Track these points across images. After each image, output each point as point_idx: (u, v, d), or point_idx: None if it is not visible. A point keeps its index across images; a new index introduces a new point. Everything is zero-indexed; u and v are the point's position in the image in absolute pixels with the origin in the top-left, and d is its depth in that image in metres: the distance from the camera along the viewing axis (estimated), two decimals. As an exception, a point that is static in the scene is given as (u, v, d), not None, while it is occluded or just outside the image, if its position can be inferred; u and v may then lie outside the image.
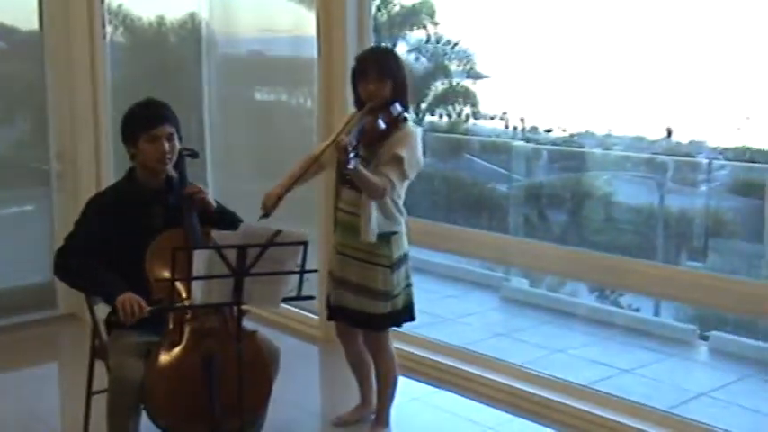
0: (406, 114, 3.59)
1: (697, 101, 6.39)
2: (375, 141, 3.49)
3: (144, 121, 3.32)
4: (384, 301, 3.62)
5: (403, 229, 3.67)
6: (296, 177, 3.51)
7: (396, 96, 3.53)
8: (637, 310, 6.61)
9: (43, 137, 5.46)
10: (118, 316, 3.08)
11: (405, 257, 3.69)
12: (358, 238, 3.55)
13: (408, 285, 3.72)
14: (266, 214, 3.45)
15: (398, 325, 3.78)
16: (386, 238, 3.58)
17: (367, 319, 3.66)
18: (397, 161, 3.49)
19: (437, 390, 4.41)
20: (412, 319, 3.79)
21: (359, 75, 3.59)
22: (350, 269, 3.64)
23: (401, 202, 3.63)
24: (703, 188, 6.62)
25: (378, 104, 3.50)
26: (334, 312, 3.77)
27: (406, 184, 3.60)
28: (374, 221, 3.52)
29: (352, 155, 3.26)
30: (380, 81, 3.52)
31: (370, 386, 3.95)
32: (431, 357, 4.62)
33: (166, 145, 3.31)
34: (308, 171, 3.57)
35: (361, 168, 3.38)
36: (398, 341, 4.29)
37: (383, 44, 4.25)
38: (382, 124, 3.47)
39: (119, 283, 3.14)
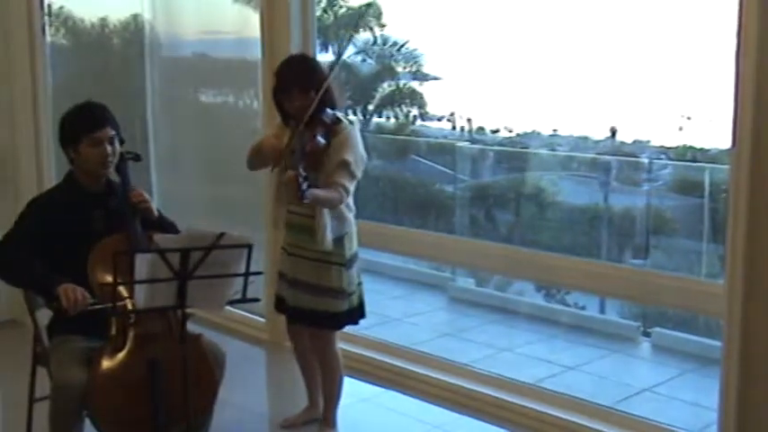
0: (338, 115, 3.60)
1: (640, 101, 6.49)
2: (319, 157, 3.49)
3: (85, 123, 3.28)
4: (342, 299, 3.65)
5: (353, 227, 3.69)
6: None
7: (322, 102, 3.52)
8: (583, 308, 6.69)
9: (-18, 141, 5.37)
10: (60, 305, 3.03)
11: (356, 255, 3.72)
12: (311, 240, 3.56)
13: (360, 283, 3.75)
14: (278, 162, 3.49)
15: (355, 323, 3.80)
16: (339, 238, 3.61)
17: (325, 317, 3.67)
18: (345, 165, 3.51)
19: (384, 390, 4.43)
20: (363, 316, 3.81)
21: (281, 91, 3.59)
22: (304, 270, 3.65)
23: (350, 201, 3.65)
24: (646, 187, 6.73)
25: (312, 117, 3.48)
26: (292, 314, 3.77)
27: (354, 183, 3.62)
28: (329, 230, 3.54)
29: (305, 186, 3.26)
30: (304, 94, 3.51)
31: (317, 388, 3.95)
32: (378, 358, 4.64)
33: (108, 148, 3.28)
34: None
35: (316, 193, 3.38)
36: (346, 342, 4.31)
37: (297, 53, 4.21)
38: (322, 140, 3.47)
39: (57, 274, 3.11)
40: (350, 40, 7.84)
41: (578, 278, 4.27)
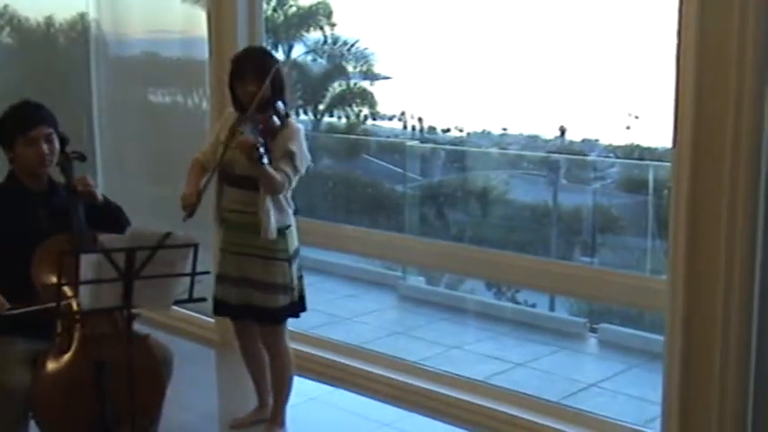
0: (288, 111, 3.65)
1: (589, 100, 6.58)
2: (269, 139, 3.52)
3: (19, 123, 3.23)
4: (284, 294, 3.67)
5: (294, 222, 3.73)
6: (208, 174, 3.60)
7: (275, 95, 3.58)
8: (533, 305, 6.76)
9: None
10: None
11: (298, 251, 3.76)
12: (256, 236, 3.57)
13: (300, 277, 3.78)
14: (190, 214, 3.54)
15: (296, 316, 3.82)
16: (281, 232, 3.63)
17: (268, 313, 3.68)
18: (290, 156, 3.56)
19: (333, 389, 4.42)
20: (304, 309, 3.82)
21: (237, 77, 3.63)
22: (250, 267, 3.66)
23: (290, 195, 3.70)
24: (594, 185, 6.82)
25: (263, 105, 3.53)
26: (237, 311, 3.76)
27: (296, 178, 3.65)
28: (273, 218, 3.57)
29: (262, 150, 3.32)
30: (259, 81, 3.55)
31: (267, 387, 3.95)
32: (327, 357, 4.63)
33: (45, 146, 3.23)
34: (215, 169, 3.62)
35: (267, 167, 3.43)
36: (295, 341, 4.30)
37: (253, 45, 4.28)
38: (277, 121, 3.54)
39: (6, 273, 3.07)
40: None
41: (527, 276, 4.31)
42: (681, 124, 3.15)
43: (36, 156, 3.22)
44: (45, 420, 3.03)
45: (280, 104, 3.58)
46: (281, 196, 3.62)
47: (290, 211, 3.71)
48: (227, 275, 3.74)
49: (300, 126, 3.70)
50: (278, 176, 3.52)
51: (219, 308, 3.81)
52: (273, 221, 3.57)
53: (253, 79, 3.56)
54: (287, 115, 3.62)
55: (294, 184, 3.65)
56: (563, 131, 7.40)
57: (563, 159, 7.16)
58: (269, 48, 5.05)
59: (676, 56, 3.13)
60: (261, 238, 3.56)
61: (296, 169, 3.60)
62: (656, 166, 6.01)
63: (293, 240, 3.71)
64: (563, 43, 6.35)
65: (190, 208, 3.55)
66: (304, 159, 3.63)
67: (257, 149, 3.34)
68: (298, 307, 3.76)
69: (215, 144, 3.73)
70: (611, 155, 7.25)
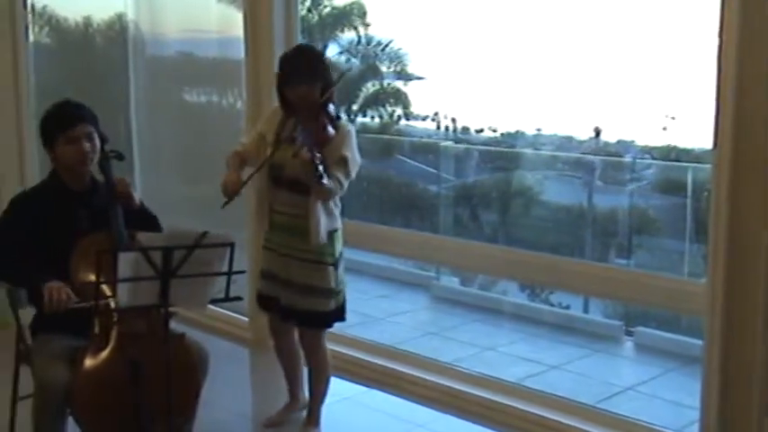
0: (339, 113, 3.62)
1: (625, 101, 6.51)
2: (324, 146, 3.48)
3: (61, 121, 3.27)
4: (331, 298, 3.66)
5: (341, 225, 3.70)
6: (256, 167, 3.56)
7: (326, 97, 3.52)
8: (567, 307, 6.71)
9: (-35, 141, 5.34)
10: (43, 303, 3.02)
11: (342, 254, 3.73)
12: (304, 240, 3.55)
13: (345, 281, 3.76)
14: (229, 201, 3.51)
15: (342, 319, 3.81)
16: (329, 236, 3.61)
17: (316, 317, 3.68)
18: (343, 162, 3.52)
19: (368, 389, 4.42)
20: (345, 311, 3.81)
21: (287, 78, 3.57)
22: (295, 270, 3.64)
23: (337, 198, 3.66)
24: (630, 187, 6.76)
25: (316, 109, 3.48)
26: (282, 313, 3.76)
27: (348, 183, 3.62)
28: (323, 225, 3.55)
29: (321, 169, 3.26)
30: (311, 84, 3.51)
31: (299, 383, 3.96)
32: (361, 357, 4.63)
33: (86, 145, 3.26)
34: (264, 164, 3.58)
35: (326, 182, 3.36)
36: (329, 341, 4.30)
37: (303, 43, 4.19)
38: (331, 130, 3.47)
39: (46, 270, 3.09)
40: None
41: (562, 277, 4.28)
42: (721, 125, 3.11)
43: (77, 154, 3.25)
44: (82, 417, 3.06)
45: (331, 108, 3.52)
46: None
47: (338, 213, 3.67)
48: (273, 274, 3.73)
49: (352, 128, 3.64)
50: (330, 185, 3.46)
51: (264, 302, 3.81)
52: (323, 227, 3.54)
53: (305, 81, 3.51)
54: (338, 117, 3.58)
55: (346, 189, 3.61)
56: (598, 132, 7.33)
57: (598, 160, 7.10)
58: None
59: (717, 56, 3.09)
60: (310, 243, 3.54)
61: (348, 175, 3.55)
62: (694, 167, 5.94)
63: (339, 244, 3.68)
64: (598, 43, 6.29)
65: (232, 195, 3.52)
66: (356, 163, 3.58)
67: (316, 167, 3.26)
68: (342, 311, 3.76)
69: (257, 140, 3.70)
70: (647, 156, 7.18)
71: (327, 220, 3.59)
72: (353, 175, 3.60)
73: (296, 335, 3.88)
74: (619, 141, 7.26)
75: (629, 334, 6.06)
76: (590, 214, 6.81)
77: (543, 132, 7.69)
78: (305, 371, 3.95)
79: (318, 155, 3.29)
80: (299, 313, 3.70)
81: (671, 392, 5.09)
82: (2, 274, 3.26)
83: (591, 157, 7.12)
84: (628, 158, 7.03)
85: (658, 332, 5.90)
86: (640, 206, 6.73)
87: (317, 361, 3.82)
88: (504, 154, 7.74)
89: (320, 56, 3.77)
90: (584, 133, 7.32)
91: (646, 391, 5.16)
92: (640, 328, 6.02)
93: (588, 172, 7.02)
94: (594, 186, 6.93)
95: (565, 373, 5.41)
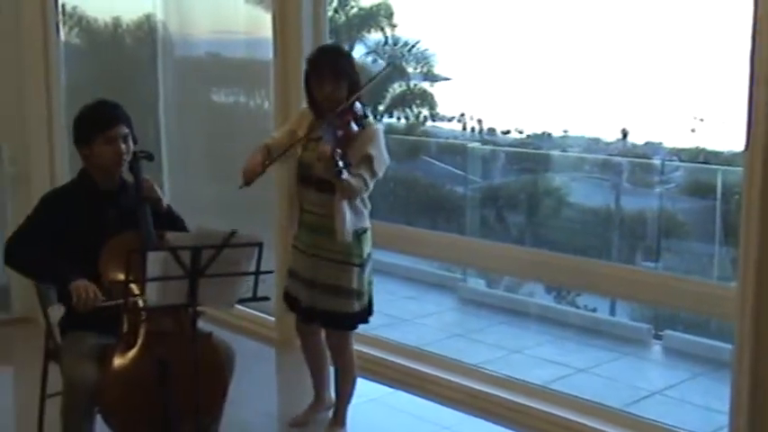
0: (366, 112, 3.61)
1: (652, 103, 6.47)
2: (348, 144, 3.49)
3: (99, 121, 3.29)
4: (357, 299, 3.65)
5: (369, 224, 3.69)
6: (276, 154, 3.54)
7: (353, 94, 3.52)
8: (593, 310, 6.68)
9: (-4, 139, 5.40)
10: (71, 302, 3.04)
11: (370, 255, 3.72)
12: (331, 239, 3.55)
13: (371, 282, 3.75)
14: (247, 184, 3.52)
15: (366, 321, 3.80)
16: (357, 236, 3.60)
17: (340, 318, 3.68)
18: (369, 160, 3.51)
19: (394, 390, 4.42)
20: (371, 313, 3.81)
21: (313, 77, 3.58)
22: (322, 270, 3.64)
23: (366, 197, 3.65)
24: (658, 189, 6.71)
25: (342, 108, 3.47)
26: (304, 314, 3.77)
27: (374, 182, 3.61)
28: (349, 222, 3.53)
29: (341, 164, 3.25)
30: (337, 82, 3.52)
31: (325, 383, 3.97)
32: (388, 358, 4.63)
33: (122, 146, 3.29)
34: (283, 152, 3.58)
35: (347, 177, 3.36)
36: (356, 342, 4.29)
37: (329, 43, 4.17)
38: (356, 127, 3.47)
39: (74, 268, 3.11)
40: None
41: (589, 280, 4.25)
42: (754, 127, 3.07)
43: (114, 154, 3.28)
44: (110, 415, 3.07)
45: (358, 106, 3.51)
46: (357, 198, 3.58)
47: (366, 213, 3.66)
48: (298, 274, 3.74)
49: (380, 126, 3.63)
50: (355, 183, 3.46)
51: (290, 303, 3.82)
52: (349, 225, 3.53)
53: (330, 80, 3.51)
54: (365, 116, 3.57)
55: (371, 187, 3.60)
56: (625, 134, 7.29)
57: (625, 162, 7.05)
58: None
59: (750, 58, 3.06)
60: (336, 241, 3.54)
61: (374, 173, 3.54)
62: (724, 170, 5.89)
63: (367, 244, 3.67)
64: (626, 44, 6.26)
65: (250, 179, 3.53)
66: (382, 162, 3.57)
67: (336, 162, 3.26)
68: (366, 312, 3.75)
69: (288, 135, 3.69)
70: (675, 158, 7.12)
71: (355, 218, 3.58)
72: (380, 174, 3.59)
73: (322, 335, 3.88)
74: (646, 143, 7.21)
75: (658, 337, 6.01)
76: (617, 216, 6.77)
77: (570, 134, 7.66)
78: (331, 371, 3.95)
79: (339, 150, 3.29)
80: (323, 314, 3.69)
81: (700, 397, 5.04)
82: (29, 271, 3.29)
83: (618, 159, 7.08)
84: (656, 160, 6.98)
85: (687, 336, 5.86)
86: (668, 209, 6.68)
87: (344, 361, 3.82)
88: (530, 155, 7.71)
89: (346, 55, 3.75)
90: (612, 135, 7.28)
91: (674, 396, 5.12)
92: (669, 332, 5.97)
93: (615, 174, 6.98)
94: (622, 188, 6.89)
95: (592, 376, 5.37)
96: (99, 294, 3.05)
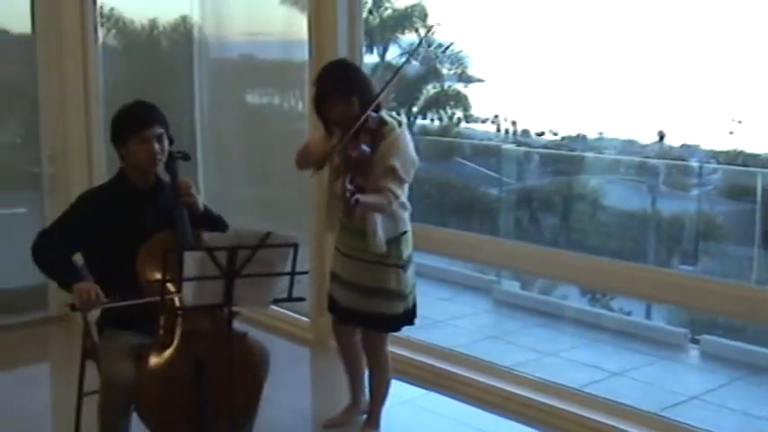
0: (384, 117, 3.54)
1: (689, 104, 6.41)
2: (366, 163, 3.46)
3: (134, 122, 3.32)
4: (399, 301, 3.64)
5: (410, 227, 3.66)
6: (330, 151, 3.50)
7: (365, 107, 3.47)
8: (628, 313, 6.62)
9: (35, 140, 5.46)
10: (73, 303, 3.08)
11: (411, 257, 3.70)
12: (366, 242, 3.54)
13: (414, 284, 3.74)
14: (321, 167, 3.46)
15: (411, 323, 3.79)
16: (395, 239, 3.59)
17: (383, 320, 3.67)
18: (392, 171, 3.47)
19: (427, 392, 4.41)
20: (415, 315, 3.80)
21: (322, 99, 3.53)
22: (361, 272, 3.63)
23: (405, 199, 3.61)
24: (695, 192, 6.64)
25: (353, 131, 3.41)
26: (343, 315, 3.77)
27: (405, 187, 3.58)
28: (381, 233, 3.52)
29: (353, 201, 3.24)
30: (347, 100, 3.47)
31: (361, 385, 3.96)
32: (421, 360, 4.62)
33: (156, 146, 3.31)
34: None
35: (364, 201, 3.33)
36: (390, 344, 4.29)
37: (334, 59, 4.05)
38: (366, 149, 3.44)
39: (80, 273, 3.17)
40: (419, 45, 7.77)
41: (626, 283, 4.21)
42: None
43: (148, 154, 3.30)
44: (145, 413, 3.09)
45: (372, 117, 3.46)
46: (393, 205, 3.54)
47: (406, 216, 3.62)
48: (337, 275, 3.74)
49: (401, 131, 3.54)
50: (379, 202, 3.43)
51: (331, 305, 3.82)
52: (381, 236, 3.51)
53: (340, 100, 3.47)
54: (384, 123, 3.52)
55: (403, 193, 3.56)
56: (661, 136, 7.22)
57: (662, 164, 6.99)
58: (363, 50, 5.01)
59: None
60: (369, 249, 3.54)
61: (401, 181, 3.50)
62: (763, 172, 5.81)
63: (407, 247, 3.64)
64: (661, 45, 6.21)
65: (323, 162, 3.45)
66: (408, 166, 3.52)
67: (348, 200, 3.23)
68: (411, 314, 3.74)
69: (325, 138, 3.64)
70: (713, 160, 7.05)
71: (391, 225, 3.55)
72: (409, 179, 3.56)
73: (358, 337, 3.88)
74: (683, 145, 7.15)
75: (695, 341, 5.95)
76: (653, 219, 6.71)
77: (605, 136, 7.61)
78: (366, 373, 3.95)
79: (349, 186, 3.24)
80: (363, 315, 3.69)
81: (738, 402, 4.98)
82: (44, 271, 3.31)
83: (654, 161, 7.02)
84: (693, 163, 6.91)
85: (724, 340, 5.79)
86: (706, 211, 6.60)
87: (379, 363, 3.81)
88: (565, 157, 7.67)
89: (353, 69, 3.68)
90: (648, 137, 7.22)
91: (712, 401, 5.06)
92: (706, 336, 5.90)
93: (651, 176, 6.93)
94: (658, 191, 6.83)
95: (628, 380, 5.32)
96: (101, 296, 3.07)
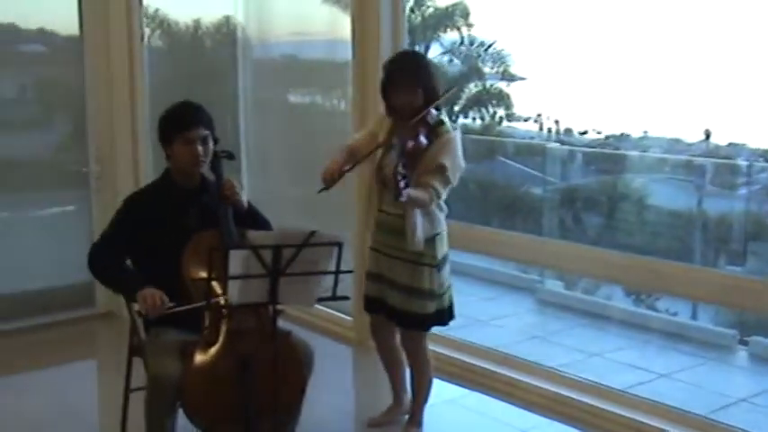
0: (442, 117, 3.58)
1: (736, 102, 6.32)
2: (418, 156, 3.48)
3: (179, 123, 3.35)
4: (431, 300, 3.63)
5: (445, 228, 3.67)
6: (356, 159, 3.54)
7: (428, 101, 3.50)
8: (674, 314, 6.54)
9: (82, 139, 5.55)
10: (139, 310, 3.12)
11: (447, 257, 3.70)
12: (402, 240, 3.55)
13: (449, 285, 3.73)
14: (326, 188, 3.51)
15: (444, 324, 3.78)
16: (430, 239, 3.59)
17: (414, 318, 3.66)
18: (441, 170, 3.49)
19: (470, 392, 4.40)
20: (453, 317, 3.79)
21: (389, 85, 3.57)
22: (397, 270, 3.64)
23: (442, 201, 3.63)
24: (743, 191, 6.54)
25: (414, 120, 3.45)
26: (379, 312, 3.77)
27: (448, 189, 3.59)
28: (420, 230, 3.53)
29: (402, 184, 3.23)
30: (412, 90, 3.50)
31: (403, 386, 3.95)
32: (465, 359, 4.61)
33: (200, 148, 3.33)
34: (363, 158, 3.58)
35: (410, 192, 3.33)
36: (433, 343, 4.28)
37: (408, 49, 4.11)
38: (424, 140, 3.46)
39: (140, 279, 3.20)
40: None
41: (670, 283, 4.16)
42: None
43: (191, 156, 3.33)
44: (191, 410, 3.12)
45: (432, 113, 3.49)
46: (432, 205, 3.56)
47: (442, 217, 3.64)
48: (376, 274, 3.74)
49: (455, 134, 3.57)
50: (422, 196, 3.44)
51: (368, 305, 3.83)
52: (420, 233, 3.53)
53: (406, 89, 3.50)
54: (441, 122, 3.55)
55: (445, 195, 3.58)
56: (708, 135, 7.13)
57: (708, 163, 6.89)
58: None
59: None
60: (407, 246, 3.54)
61: (447, 182, 3.52)
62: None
63: (442, 247, 3.65)
64: (708, 42, 6.12)
65: (329, 183, 3.52)
66: (457, 170, 3.54)
67: (397, 184, 3.23)
68: (446, 315, 3.73)
69: (369, 138, 3.69)
70: (760, 159, 6.93)
71: (428, 224, 3.56)
72: (455, 181, 3.57)
73: (397, 338, 3.88)
74: (730, 144, 7.04)
75: (743, 343, 5.85)
76: (699, 219, 6.62)
77: (650, 134, 7.52)
78: (408, 372, 3.94)
79: (401, 171, 3.24)
80: (399, 313, 3.69)
81: (789, 405, 4.90)
82: (101, 280, 3.38)
83: (700, 160, 6.92)
84: (741, 161, 6.80)
85: (776, 342, 5.69)
86: (754, 211, 6.49)
87: (418, 363, 3.81)
88: (609, 156, 7.60)
89: (423, 62, 3.70)
90: (694, 136, 7.13)
91: (761, 403, 4.96)
92: (756, 338, 5.80)
93: (698, 175, 6.83)
94: (704, 190, 6.73)
95: (675, 382, 5.25)
96: (166, 300, 3.11)
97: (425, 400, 3.86)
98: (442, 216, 3.64)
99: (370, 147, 3.60)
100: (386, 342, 3.91)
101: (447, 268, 3.70)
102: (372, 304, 3.79)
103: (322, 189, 3.54)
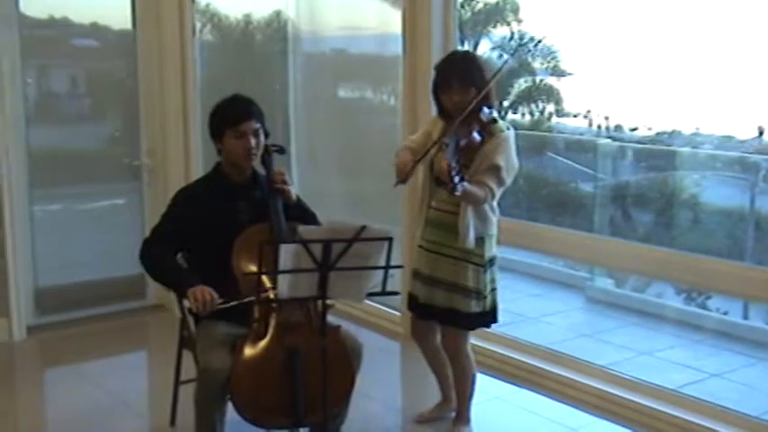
0: (495, 116, 3.55)
1: (791, 99, 6.19)
2: (472, 154, 3.47)
3: (230, 116, 3.37)
4: (476, 299, 3.61)
5: (495, 231, 3.65)
6: (417, 157, 3.51)
7: (481, 101, 3.47)
8: (725, 313, 6.44)
9: (135, 133, 5.62)
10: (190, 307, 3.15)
11: (494, 260, 3.68)
12: (453, 237, 3.54)
13: (494, 288, 3.70)
14: (402, 181, 3.48)
15: (487, 326, 3.77)
16: (480, 239, 3.57)
17: (457, 316, 3.64)
18: (495, 170, 3.47)
19: (519, 389, 4.38)
20: (496, 320, 3.76)
21: (441, 85, 3.56)
22: (442, 267, 3.63)
23: (495, 204, 3.61)
24: (796, 189, 6.42)
25: (463, 115, 3.42)
26: (421, 311, 3.76)
27: (502, 189, 3.57)
28: (472, 228, 3.52)
29: (457, 179, 3.20)
30: (464, 90, 3.49)
31: (449, 383, 3.94)
32: (514, 356, 4.59)
33: (252, 141, 3.35)
34: (423, 156, 3.55)
35: (466, 186, 3.30)
36: (481, 340, 4.28)
37: (459, 49, 4.09)
38: (478, 137, 3.43)
39: (191, 275, 3.23)
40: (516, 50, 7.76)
41: (723, 281, 4.09)
42: None
43: (243, 149, 3.35)
44: (240, 403, 3.14)
45: (485, 111, 3.45)
46: (485, 205, 3.54)
47: (494, 219, 3.61)
48: (419, 272, 3.73)
49: (509, 133, 3.55)
50: (477, 192, 3.42)
51: (411, 303, 3.82)
52: (472, 232, 3.51)
53: (457, 89, 3.49)
54: (494, 121, 3.52)
55: (499, 195, 3.56)
56: (761, 132, 7.01)
57: (762, 161, 6.77)
58: (457, 44, 5.00)
59: None
60: (457, 242, 3.53)
61: (501, 182, 3.49)
62: None
63: (491, 247, 3.63)
64: (760, 38, 6.00)
65: (404, 175, 3.47)
66: (511, 170, 3.52)
67: (452, 178, 3.19)
68: (488, 317, 3.70)
69: (424, 138, 3.68)
70: (816, 157, 6.79)
71: (480, 224, 3.54)
72: (509, 181, 3.55)
73: (439, 337, 3.86)
74: (783, 141, 6.91)
75: (796, 344, 5.75)
76: (752, 217, 6.50)
77: (701, 131, 7.42)
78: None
79: (455, 166, 3.20)
80: (440, 310, 3.67)
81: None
82: (152, 275, 3.40)
83: (753, 157, 6.81)
84: (795, 159, 6.67)
85: (829, 343, 5.57)
86: (809, 210, 6.37)
87: (459, 363, 3.78)
88: (660, 153, 7.49)
89: (475, 61, 3.66)
90: (746, 132, 7.01)
91: (815, 405, 4.87)
92: (810, 338, 5.70)
93: (750, 173, 6.71)
94: (758, 188, 6.61)
95: (727, 382, 5.16)
96: (216, 297, 3.13)
97: (470, 398, 3.84)
98: (494, 218, 3.62)
99: (427, 145, 3.59)
100: (428, 343, 3.89)
101: (493, 271, 3.67)
102: (415, 305, 3.78)
103: (398, 182, 3.50)
